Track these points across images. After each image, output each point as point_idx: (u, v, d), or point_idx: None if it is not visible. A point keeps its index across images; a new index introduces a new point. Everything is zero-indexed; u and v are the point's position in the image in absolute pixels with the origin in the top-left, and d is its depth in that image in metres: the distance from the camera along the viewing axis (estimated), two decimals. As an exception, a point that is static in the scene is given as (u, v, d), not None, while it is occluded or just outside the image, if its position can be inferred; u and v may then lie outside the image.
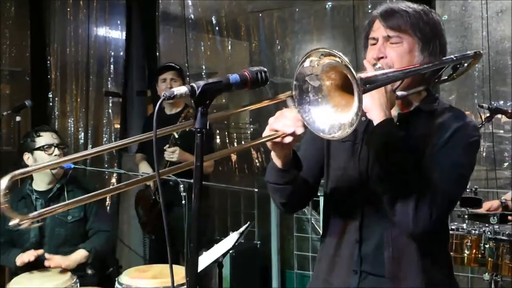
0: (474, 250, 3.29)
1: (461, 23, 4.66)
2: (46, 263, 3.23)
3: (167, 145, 4.02)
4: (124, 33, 5.89)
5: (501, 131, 4.58)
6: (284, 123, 1.61)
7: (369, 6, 4.96)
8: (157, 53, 5.90)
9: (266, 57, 5.76)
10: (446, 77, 1.96)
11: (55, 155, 3.45)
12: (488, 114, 3.45)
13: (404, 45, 1.76)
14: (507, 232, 3.06)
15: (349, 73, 1.43)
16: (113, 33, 5.98)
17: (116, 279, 3.11)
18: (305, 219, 5.15)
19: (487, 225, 3.24)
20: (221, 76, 1.30)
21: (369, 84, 1.51)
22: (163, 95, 1.20)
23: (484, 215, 3.30)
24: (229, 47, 5.99)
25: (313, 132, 1.55)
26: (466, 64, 1.93)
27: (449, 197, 1.68)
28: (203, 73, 6.07)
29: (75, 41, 5.68)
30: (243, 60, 6.04)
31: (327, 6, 5.28)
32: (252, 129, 5.99)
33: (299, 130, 1.60)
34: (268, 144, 1.66)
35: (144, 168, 4.40)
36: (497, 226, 3.17)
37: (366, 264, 1.80)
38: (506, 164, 4.66)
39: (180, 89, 1.22)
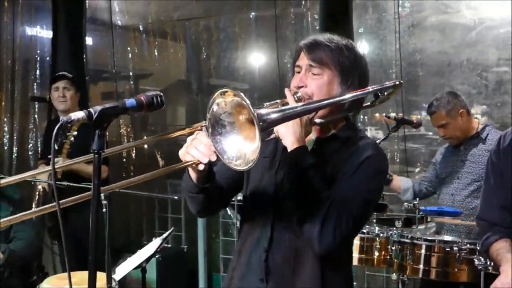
0: (383, 252, 3.47)
1: (376, 36, 4.88)
2: None
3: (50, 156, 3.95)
4: (50, 36, 5.82)
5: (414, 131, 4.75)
6: (200, 150, 1.71)
7: (292, 17, 5.13)
8: (84, 57, 5.88)
9: (193, 63, 5.85)
10: (368, 104, 2.04)
11: None
12: (394, 124, 3.65)
13: (324, 77, 1.86)
14: (409, 235, 3.25)
15: (248, 110, 1.54)
16: (39, 36, 5.89)
17: (38, 286, 3.12)
18: (231, 223, 5.28)
19: (392, 228, 3.43)
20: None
21: (269, 121, 1.59)
22: (61, 120, 1.28)
23: (390, 219, 3.50)
24: (156, 56, 6.04)
25: (223, 161, 1.65)
26: (386, 93, 2.00)
27: (354, 220, 1.76)
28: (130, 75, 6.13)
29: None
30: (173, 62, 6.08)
31: (251, 15, 5.42)
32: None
33: (213, 158, 1.69)
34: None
35: (44, 176, 4.30)
36: (402, 230, 3.36)
37: (272, 274, 1.89)
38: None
39: (77, 114, 1.30)
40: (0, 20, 5.61)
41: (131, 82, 6.14)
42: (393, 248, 3.32)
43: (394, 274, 3.40)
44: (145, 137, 5.90)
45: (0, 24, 5.61)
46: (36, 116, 5.87)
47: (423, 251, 3.18)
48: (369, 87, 1.95)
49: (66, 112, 4.35)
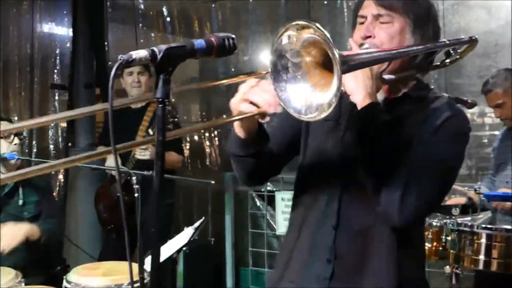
0: (435, 243, 3.26)
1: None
2: None
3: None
4: (70, 23, 5.67)
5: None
6: (265, 98, 1.49)
7: (325, -2, 4.90)
8: (106, 44, 5.70)
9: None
10: (438, 63, 1.85)
11: (15, 144, 3.31)
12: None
13: (394, 25, 1.65)
14: (469, 224, 3.02)
15: (329, 50, 1.30)
16: (58, 23, 5.75)
17: (64, 277, 2.93)
18: (260, 215, 5.05)
19: (447, 217, 3.20)
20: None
21: (351, 63, 1.39)
22: (120, 58, 1.05)
23: (445, 207, 3.27)
24: (181, 41, 5.83)
25: (288, 112, 1.42)
26: (459, 51, 1.82)
27: (437, 189, 1.60)
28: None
29: (18, 33, 5.44)
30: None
31: (282, -4, 5.19)
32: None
33: (279, 109, 1.48)
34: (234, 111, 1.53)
35: (110, 162, 4.18)
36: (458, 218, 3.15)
37: (340, 254, 1.68)
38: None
39: (139, 53, 1.07)
40: (19, 10, 5.44)
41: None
42: (449, 238, 3.08)
43: (447, 267, 3.16)
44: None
45: (20, 19, 5.45)
46: (56, 104, 5.70)
47: (483, 240, 2.94)
48: (444, 39, 1.75)
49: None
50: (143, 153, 3.86)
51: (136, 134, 3.87)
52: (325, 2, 4.84)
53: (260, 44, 5.38)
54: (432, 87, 1.82)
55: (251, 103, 1.51)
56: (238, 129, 1.63)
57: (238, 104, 1.53)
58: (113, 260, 3.39)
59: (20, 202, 3.37)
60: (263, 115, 1.51)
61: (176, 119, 3.62)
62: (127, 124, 3.82)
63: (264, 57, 5.32)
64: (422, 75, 1.80)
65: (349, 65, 1.37)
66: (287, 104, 1.41)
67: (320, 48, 1.36)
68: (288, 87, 1.41)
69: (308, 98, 1.40)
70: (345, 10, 4.76)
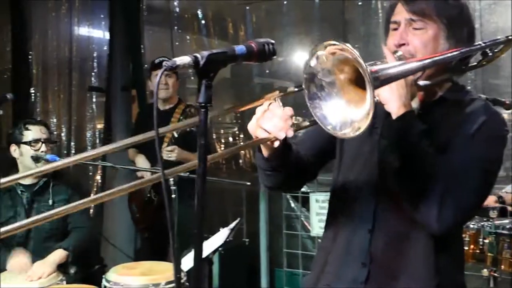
0: (472, 246, 3.21)
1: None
2: (28, 279, 3.14)
3: (165, 144, 3.94)
4: (107, 27, 5.76)
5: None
6: (275, 124, 1.50)
7: (359, -1, 4.88)
8: (142, 47, 5.77)
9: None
10: (475, 63, 1.81)
11: (42, 151, 3.40)
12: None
13: (428, 31, 1.64)
14: (507, 226, 2.98)
15: (360, 68, 1.32)
16: (96, 27, 5.85)
17: (103, 276, 3.00)
18: (294, 216, 5.04)
19: (485, 219, 3.16)
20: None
21: (383, 79, 1.39)
22: (165, 64, 1.09)
23: (483, 209, 3.22)
24: (216, 43, 5.88)
25: (323, 128, 1.43)
26: (495, 50, 1.78)
27: (475, 195, 1.58)
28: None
29: (57, 36, 5.56)
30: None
31: (316, -2, 5.18)
32: (236, 128, 5.88)
33: (290, 133, 1.49)
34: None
35: (142, 162, 4.26)
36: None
37: (375, 258, 1.68)
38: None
39: (183, 59, 1.10)
40: (57, 12, 5.56)
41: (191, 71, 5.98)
42: (486, 240, 3.04)
43: (485, 270, 3.12)
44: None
45: (59, 23, 5.57)
46: (94, 107, 5.80)
47: (523, 243, 2.90)
48: (480, 42, 1.72)
49: (166, 100, 4.28)
50: (169, 155, 3.94)
51: (164, 136, 3.93)
52: (360, 3, 4.82)
53: (295, 45, 5.38)
54: (469, 87, 1.80)
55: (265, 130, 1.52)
56: (262, 147, 1.64)
57: (254, 130, 1.55)
58: (147, 259, 3.45)
59: (50, 202, 3.46)
60: (274, 140, 1.52)
61: None
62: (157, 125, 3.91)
63: (298, 58, 5.33)
64: (458, 77, 1.78)
65: (381, 80, 1.38)
66: (323, 121, 1.43)
67: (352, 65, 1.37)
68: (322, 105, 1.43)
69: (343, 114, 1.42)
70: (380, 10, 4.72)
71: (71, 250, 3.38)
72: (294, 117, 1.54)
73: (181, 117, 3.82)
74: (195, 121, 1.15)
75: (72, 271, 3.45)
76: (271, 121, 1.50)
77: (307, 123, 1.60)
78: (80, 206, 1.19)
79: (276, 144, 1.54)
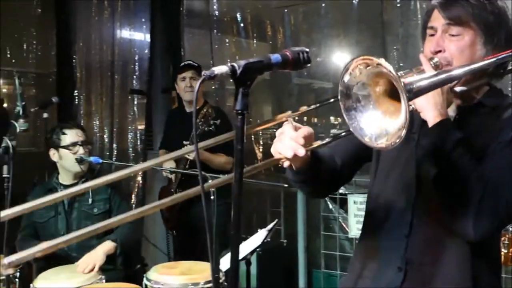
0: (511, 249, 3.17)
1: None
2: (78, 269, 3.21)
3: (188, 142, 3.98)
4: (148, 31, 5.88)
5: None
6: (284, 145, 1.52)
7: (398, 0, 4.84)
8: (182, 50, 5.86)
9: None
10: None
11: (80, 154, 3.48)
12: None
13: (465, 38, 1.62)
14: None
15: (395, 81, 1.33)
16: (137, 30, 5.98)
17: (144, 275, 3.07)
18: (332, 218, 5.04)
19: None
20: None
21: (417, 90, 1.39)
22: (204, 74, 1.14)
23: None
24: (254, 45, 5.93)
25: (359, 139, 1.45)
26: None
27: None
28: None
29: (100, 39, 5.71)
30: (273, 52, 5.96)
31: (354, 0, 5.17)
32: (275, 130, 5.90)
33: (301, 152, 1.50)
34: None
35: (169, 164, 4.34)
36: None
37: (411, 263, 1.69)
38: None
39: (221, 68, 1.15)
40: (100, 17, 5.71)
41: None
42: (527, 243, 3.01)
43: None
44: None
45: (101, 22, 5.71)
46: (135, 109, 5.92)
47: None
48: None
49: (192, 103, 4.34)
50: (189, 154, 3.97)
51: (189, 136, 3.98)
52: (398, 4, 4.78)
53: (333, 47, 5.38)
54: (510, 89, 1.78)
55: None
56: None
57: (274, 151, 1.57)
58: (179, 258, 3.49)
59: (90, 201, 3.53)
60: (284, 160, 1.56)
61: (217, 121, 3.73)
62: (183, 127, 4.08)
63: (337, 59, 5.33)
64: (496, 81, 1.76)
65: (415, 92, 1.38)
66: (359, 132, 1.45)
67: (386, 78, 1.39)
68: (358, 116, 1.45)
69: (379, 125, 1.44)
70: (419, 11, 4.68)
71: (119, 242, 3.43)
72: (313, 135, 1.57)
73: (202, 120, 3.85)
74: (232, 133, 1.19)
75: (119, 263, 3.52)
76: (281, 141, 1.54)
77: (320, 142, 1.61)
78: (129, 217, 1.24)
79: (286, 164, 1.58)
